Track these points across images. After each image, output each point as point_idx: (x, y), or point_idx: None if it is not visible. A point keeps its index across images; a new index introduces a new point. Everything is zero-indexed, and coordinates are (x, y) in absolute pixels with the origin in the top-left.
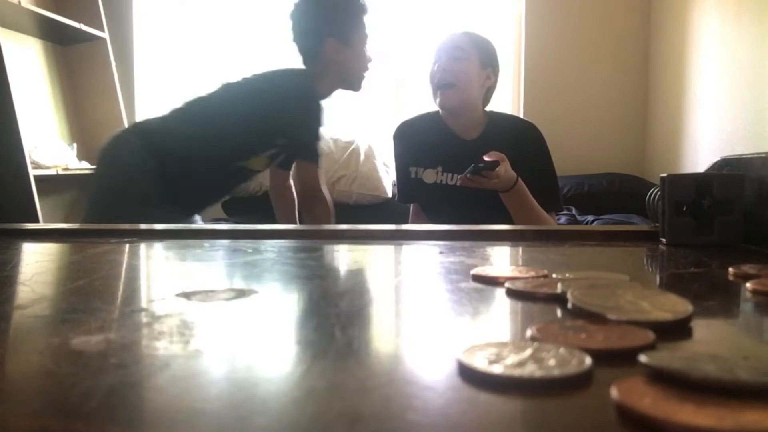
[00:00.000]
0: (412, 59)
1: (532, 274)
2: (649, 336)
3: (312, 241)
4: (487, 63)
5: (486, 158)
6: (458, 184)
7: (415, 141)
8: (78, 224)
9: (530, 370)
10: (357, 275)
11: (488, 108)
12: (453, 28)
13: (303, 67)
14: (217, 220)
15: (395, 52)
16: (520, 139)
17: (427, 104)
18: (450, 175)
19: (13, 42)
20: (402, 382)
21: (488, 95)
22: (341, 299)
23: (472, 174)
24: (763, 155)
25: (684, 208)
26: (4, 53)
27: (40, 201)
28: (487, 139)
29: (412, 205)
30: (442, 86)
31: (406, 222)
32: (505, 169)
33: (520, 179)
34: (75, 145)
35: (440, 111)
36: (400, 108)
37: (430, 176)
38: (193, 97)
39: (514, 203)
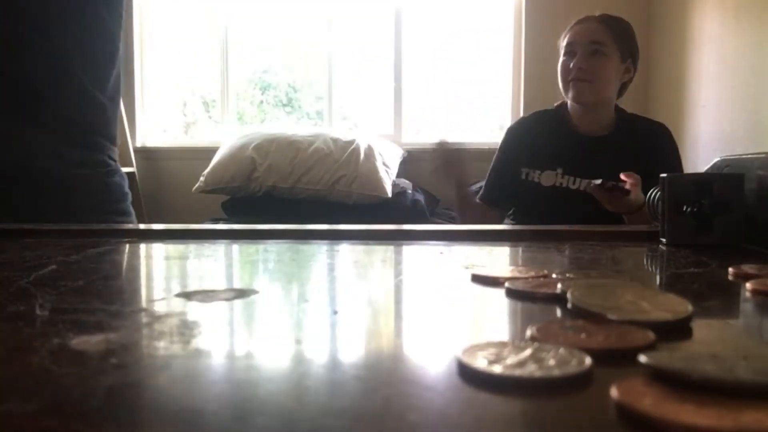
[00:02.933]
0: (411, 58)
1: (532, 274)
2: (649, 336)
3: (312, 241)
4: (627, 55)
5: (623, 176)
6: (581, 189)
7: (531, 141)
8: (78, 224)
9: (530, 370)
10: (357, 275)
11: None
12: (589, 14)
13: None
14: (216, 220)
15: (396, 51)
16: (651, 141)
17: (428, 104)
18: (571, 178)
19: None
20: (402, 382)
21: (623, 89)
22: (341, 299)
23: (599, 186)
24: (763, 155)
25: (684, 208)
26: None
27: None
28: (616, 139)
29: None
30: (576, 80)
31: (405, 222)
32: (635, 196)
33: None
34: None
35: (569, 104)
36: (400, 108)
37: (548, 179)
38: None
39: (636, 223)
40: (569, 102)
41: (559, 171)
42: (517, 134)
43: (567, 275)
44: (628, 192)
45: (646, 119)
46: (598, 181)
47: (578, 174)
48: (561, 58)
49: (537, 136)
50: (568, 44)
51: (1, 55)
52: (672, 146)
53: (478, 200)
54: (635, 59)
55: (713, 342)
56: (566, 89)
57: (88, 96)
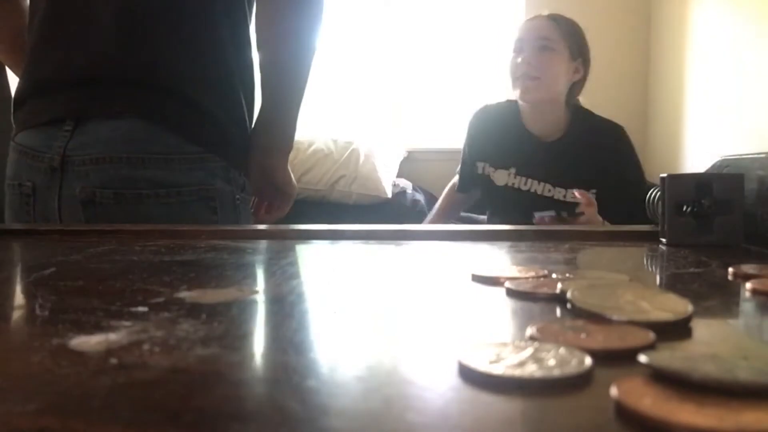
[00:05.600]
0: (411, 58)
1: (532, 274)
2: (649, 336)
3: (312, 242)
4: (577, 53)
5: (576, 193)
6: (535, 222)
7: (489, 134)
8: (78, 224)
9: (530, 370)
10: (357, 275)
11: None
12: (537, 13)
13: None
14: None
15: (395, 51)
16: (605, 145)
17: (426, 105)
18: (524, 179)
19: None
20: (402, 382)
21: (574, 90)
22: (341, 299)
23: (551, 219)
24: (763, 155)
25: (684, 208)
26: None
27: None
28: (568, 145)
29: (451, 185)
30: (524, 77)
31: (405, 222)
32: (589, 218)
33: (606, 222)
34: None
35: (519, 104)
36: (400, 107)
37: (501, 177)
38: None
39: None
40: (519, 100)
41: (512, 171)
42: (475, 125)
43: (567, 275)
44: (580, 214)
45: (602, 120)
46: (551, 213)
47: (530, 176)
48: (510, 56)
49: (495, 130)
50: (517, 41)
51: (174, 73)
52: (628, 149)
53: (456, 191)
54: (585, 60)
55: (713, 342)
56: (514, 86)
57: (243, 117)
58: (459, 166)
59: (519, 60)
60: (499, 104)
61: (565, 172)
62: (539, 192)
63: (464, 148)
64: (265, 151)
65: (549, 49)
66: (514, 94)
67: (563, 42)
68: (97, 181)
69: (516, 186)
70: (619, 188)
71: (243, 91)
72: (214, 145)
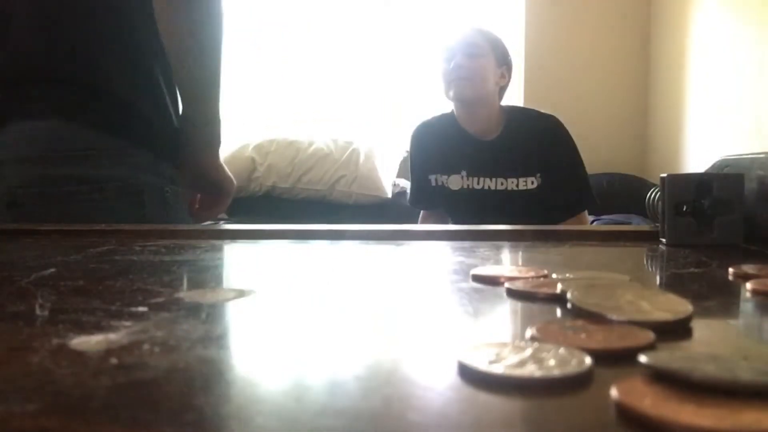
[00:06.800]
0: (411, 59)
1: (532, 274)
2: (649, 336)
3: (312, 242)
4: (502, 61)
5: None
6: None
7: (434, 146)
8: (78, 224)
9: (530, 370)
10: (356, 275)
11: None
12: (464, 25)
13: None
14: (216, 221)
15: (395, 51)
16: (543, 136)
17: (426, 104)
18: (476, 179)
19: None
20: (402, 382)
21: (501, 94)
22: (341, 299)
23: None
24: (763, 155)
25: (684, 208)
26: None
27: None
28: (508, 139)
29: (422, 211)
30: (457, 79)
31: (405, 222)
32: None
33: None
34: None
35: (454, 111)
36: (400, 107)
37: (455, 183)
38: None
39: None
40: (453, 104)
41: (464, 173)
42: (417, 141)
43: (567, 275)
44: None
45: (536, 114)
46: None
47: (481, 174)
48: (442, 66)
49: (436, 141)
50: (448, 50)
51: (87, 67)
52: (564, 139)
53: (408, 203)
54: (509, 68)
55: (713, 342)
56: (448, 89)
57: (165, 106)
58: (411, 187)
59: (451, 65)
60: (435, 117)
61: (511, 163)
62: (493, 187)
63: (412, 166)
64: (194, 148)
65: (477, 55)
66: (447, 97)
67: (489, 48)
68: (17, 181)
69: (471, 186)
70: (560, 171)
71: (164, 81)
72: (139, 138)
